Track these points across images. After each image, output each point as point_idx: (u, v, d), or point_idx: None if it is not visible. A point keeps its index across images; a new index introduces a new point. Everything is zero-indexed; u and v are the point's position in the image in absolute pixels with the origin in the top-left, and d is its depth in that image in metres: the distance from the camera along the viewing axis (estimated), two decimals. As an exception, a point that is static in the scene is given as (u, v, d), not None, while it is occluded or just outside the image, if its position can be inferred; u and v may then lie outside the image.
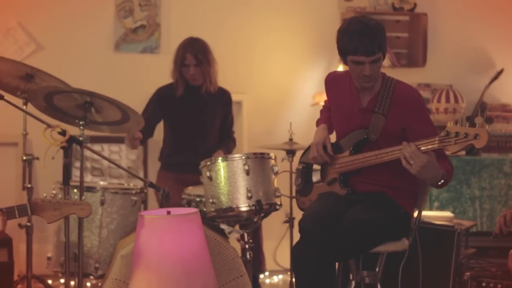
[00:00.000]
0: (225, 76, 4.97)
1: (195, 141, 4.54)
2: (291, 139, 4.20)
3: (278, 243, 5.23)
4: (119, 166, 3.38)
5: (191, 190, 4.06)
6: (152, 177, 5.39)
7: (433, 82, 5.56)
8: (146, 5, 5.41)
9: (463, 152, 5.15)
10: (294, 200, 4.17)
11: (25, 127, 3.84)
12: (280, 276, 5.29)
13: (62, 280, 4.18)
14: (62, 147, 3.22)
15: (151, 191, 4.83)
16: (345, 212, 3.18)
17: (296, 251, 3.14)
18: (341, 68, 5.37)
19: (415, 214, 3.39)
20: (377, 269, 3.30)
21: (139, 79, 5.42)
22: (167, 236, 2.72)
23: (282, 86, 5.58)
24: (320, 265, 3.03)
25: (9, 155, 5.21)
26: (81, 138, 3.42)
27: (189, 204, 3.97)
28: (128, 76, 5.41)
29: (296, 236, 4.38)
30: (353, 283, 3.29)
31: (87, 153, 4.88)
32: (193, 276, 2.72)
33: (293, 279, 4.31)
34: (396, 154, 3.09)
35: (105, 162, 5.22)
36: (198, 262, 2.74)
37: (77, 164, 5.17)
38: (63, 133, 3.19)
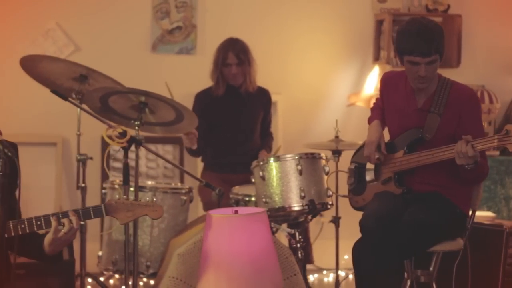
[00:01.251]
0: (260, 76, 5.01)
1: (237, 140, 4.59)
2: (337, 137, 4.24)
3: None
4: (176, 166, 3.43)
5: (238, 189, 4.11)
6: (189, 177, 5.44)
7: (467, 83, 5.58)
8: (182, 7, 5.46)
9: (497, 152, 5.22)
10: (340, 200, 4.23)
11: (79, 127, 3.89)
12: (316, 275, 5.35)
13: (111, 281, 4.23)
14: (122, 147, 3.27)
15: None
16: (403, 211, 3.23)
17: (357, 250, 3.19)
18: (376, 69, 5.43)
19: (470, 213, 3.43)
20: (431, 268, 3.35)
21: (176, 80, 5.42)
22: (236, 235, 2.76)
23: (317, 86, 5.63)
24: (382, 264, 3.08)
25: (49, 155, 5.26)
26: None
27: (237, 203, 4.02)
28: (165, 77, 5.41)
29: (342, 235, 4.47)
30: (408, 282, 3.33)
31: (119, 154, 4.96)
32: (262, 274, 2.76)
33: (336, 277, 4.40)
34: (452, 153, 3.14)
35: (143, 163, 5.29)
36: (266, 260, 2.78)
37: (116, 164, 5.24)
38: (123, 133, 3.24)
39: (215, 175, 4.51)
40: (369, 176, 3.53)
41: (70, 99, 3.22)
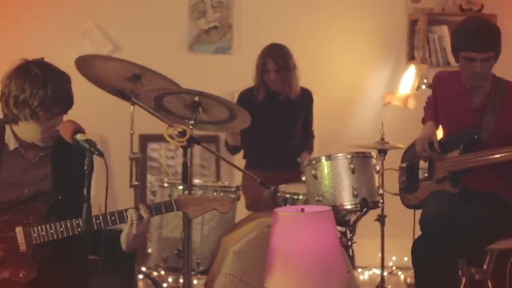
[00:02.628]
0: (296, 76, 5.06)
1: (278, 140, 4.64)
2: (382, 139, 4.28)
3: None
4: (233, 165, 3.47)
5: (285, 188, 4.14)
6: (225, 175, 5.50)
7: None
8: (218, 7, 5.50)
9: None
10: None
11: (132, 126, 3.93)
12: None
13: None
14: (182, 146, 3.30)
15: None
16: (460, 210, 3.27)
17: (417, 247, 3.23)
18: (412, 68, 5.46)
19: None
20: (485, 267, 3.39)
21: (212, 79, 5.50)
22: (304, 233, 2.80)
23: (351, 86, 5.67)
24: (443, 261, 3.12)
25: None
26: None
27: (285, 202, 4.05)
28: (202, 76, 5.50)
29: (388, 233, 4.51)
30: (464, 280, 3.37)
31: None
32: (329, 271, 2.80)
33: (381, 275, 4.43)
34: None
35: (163, 161, 5.33)
36: (333, 258, 2.83)
37: (153, 163, 5.28)
38: (183, 132, 3.27)
39: (257, 174, 4.54)
40: (421, 175, 3.57)
41: (133, 99, 3.24)
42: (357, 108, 5.68)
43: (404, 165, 3.64)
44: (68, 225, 2.60)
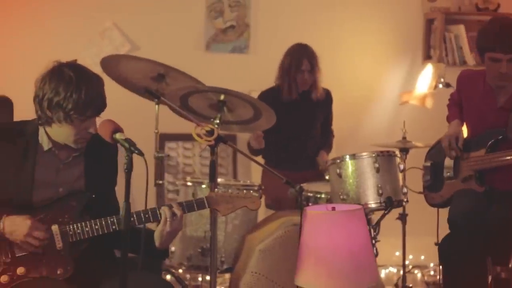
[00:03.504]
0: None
1: (299, 140, 4.66)
2: (404, 138, 4.29)
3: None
4: (261, 165, 3.49)
5: (307, 187, 4.16)
6: (242, 173, 5.52)
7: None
8: (235, 6, 5.52)
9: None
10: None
11: (157, 125, 3.95)
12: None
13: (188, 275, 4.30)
14: (210, 145, 3.33)
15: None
16: (487, 209, 3.29)
17: (445, 245, 3.25)
18: (430, 67, 5.47)
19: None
20: (510, 265, 3.40)
21: (229, 78, 5.50)
22: (336, 231, 2.82)
23: (367, 85, 5.69)
24: (471, 259, 3.14)
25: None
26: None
27: (307, 201, 4.07)
28: (219, 75, 5.50)
29: (414, 231, 4.52)
30: (490, 278, 3.39)
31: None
32: (361, 269, 2.82)
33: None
34: None
35: (180, 160, 5.35)
36: (365, 256, 2.84)
37: (171, 162, 5.30)
38: (211, 131, 3.29)
39: (277, 173, 4.56)
40: (446, 174, 3.59)
41: (162, 98, 3.27)
42: (373, 107, 5.70)
43: (428, 164, 3.66)
44: (103, 222, 2.63)
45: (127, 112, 5.17)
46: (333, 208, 2.92)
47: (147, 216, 2.67)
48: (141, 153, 2.43)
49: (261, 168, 4.90)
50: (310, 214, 2.91)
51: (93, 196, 2.68)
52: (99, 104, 2.66)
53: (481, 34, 3.38)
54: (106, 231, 2.62)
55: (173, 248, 4.13)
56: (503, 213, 3.24)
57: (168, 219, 2.66)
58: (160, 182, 3.92)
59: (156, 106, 3.86)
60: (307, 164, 4.69)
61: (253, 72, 5.49)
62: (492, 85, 3.44)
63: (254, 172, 5.42)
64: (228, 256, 3.98)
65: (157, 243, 2.70)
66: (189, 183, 4.04)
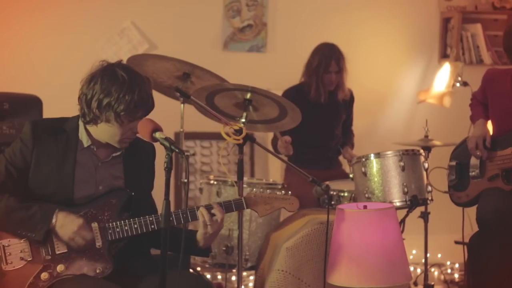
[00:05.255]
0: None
1: (321, 138, 4.68)
2: (426, 136, 4.31)
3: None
4: (286, 162, 3.51)
5: (331, 185, 4.17)
6: (259, 172, 5.54)
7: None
8: (253, 5, 5.54)
9: None
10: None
11: (182, 124, 3.97)
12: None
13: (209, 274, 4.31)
14: (238, 144, 3.34)
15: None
16: (515, 207, 3.31)
17: (475, 243, 3.27)
18: (447, 66, 5.49)
19: None
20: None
21: (247, 77, 5.48)
22: (370, 229, 2.84)
23: (384, 84, 5.71)
24: (501, 257, 3.16)
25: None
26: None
27: (330, 199, 4.08)
28: (236, 74, 5.51)
29: (431, 229, 4.54)
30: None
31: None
32: (395, 267, 2.85)
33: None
34: None
35: (198, 159, 5.38)
36: (398, 253, 2.87)
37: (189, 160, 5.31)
38: (239, 130, 3.31)
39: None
40: (472, 173, 3.60)
41: (192, 97, 3.29)
42: (391, 105, 5.72)
43: (453, 163, 3.67)
44: (142, 222, 2.64)
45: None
46: (365, 207, 2.94)
47: (184, 216, 2.69)
48: (181, 152, 2.45)
49: (280, 166, 4.93)
50: (342, 213, 2.93)
51: (133, 194, 2.70)
52: (149, 105, 2.68)
53: (510, 34, 3.39)
54: (145, 231, 2.64)
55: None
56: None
57: (208, 223, 2.67)
58: (185, 180, 3.92)
59: (182, 105, 3.87)
60: (329, 162, 4.72)
61: (270, 71, 5.51)
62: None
63: (272, 170, 5.45)
64: (252, 254, 4.00)
65: (201, 243, 2.72)
66: (212, 182, 4.05)
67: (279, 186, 4.13)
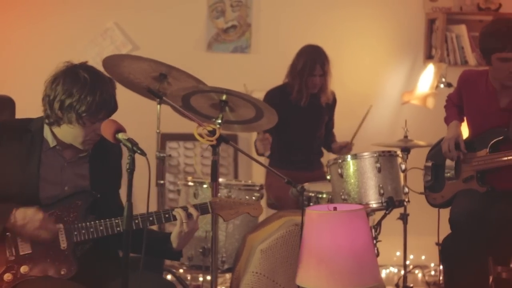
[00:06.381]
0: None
1: (303, 140, 4.67)
2: (406, 137, 4.29)
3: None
4: (261, 163, 3.49)
5: (308, 186, 4.17)
6: (243, 173, 5.53)
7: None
8: (237, 6, 5.53)
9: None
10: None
11: (159, 126, 3.95)
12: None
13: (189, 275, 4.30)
14: (211, 145, 3.33)
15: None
16: (489, 209, 3.29)
17: (447, 245, 3.26)
18: (431, 67, 5.48)
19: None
20: (511, 265, 3.40)
21: (231, 78, 5.52)
22: (339, 231, 2.83)
23: (369, 85, 5.70)
24: (472, 259, 3.15)
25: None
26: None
27: (308, 200, 4.08)
28: (220, 75, 5.51)
29: (415, 231, 4.53)
30: (491, 278, 3.39)
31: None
32: (363, 269, 2.83)
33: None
34: None
35: (181, 160, 5.36)
36: (367, 255, 2.85)
37: (172, 162, 5.30)
38: (213, 131, 3.30)
39: (281, 172, 4.56)
40: (447, 174, 3.59)
41: (164, 98, 3.27)
42: (375, 107, 5.69)
43: (429, 164, 3.66)
44: (108, 224, 2.63)
45: (129, 112, 5.16)
46: (335, 208, 2.92)
47: (151, 219, 2.69)
48: (143, 153, 2.43)
49: (263, 168, 4.91)
50: (312, 214, 2.91)
51: (99, 195, 2.69)
52: (112, 107, 2.67)
53: (487, 35, 3.38)
54: (110, 233, 2.63)
55: (174, 248, 4.13)
56: (504, 213, 3.25)
57: (184, 221, 2.67)
58: (162, 182, 3.91)
59: (158, 106, 3.86)
60: (310, 164, 4.71)
61: (254, 72, 5.50)
62: (497, 86, 3.44)
63: (255, 172, 5.43)
64: (229, 256, 3.99)
65: (174, 244, 2.72)
66: (190, 183, 4.04)
67: (257, 188, 4.12)
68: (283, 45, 5.37)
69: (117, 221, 2.64)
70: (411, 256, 5.51)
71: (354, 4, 5.64)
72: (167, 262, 4.33)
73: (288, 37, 5.50)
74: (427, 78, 5.43)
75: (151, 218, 2.68)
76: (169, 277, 4.27)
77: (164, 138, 5.39)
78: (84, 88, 2.59)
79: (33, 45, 5.28)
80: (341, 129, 5.57)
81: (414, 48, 5.72)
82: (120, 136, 2.49)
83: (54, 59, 5.24)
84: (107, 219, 2.64)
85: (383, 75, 5.70)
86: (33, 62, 5.26)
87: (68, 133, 2.65)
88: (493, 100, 3.44)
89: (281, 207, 4.34)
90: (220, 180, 4.32)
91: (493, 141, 3.41)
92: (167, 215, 2.70)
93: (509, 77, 3.33)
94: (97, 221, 2.64)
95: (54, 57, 5.17)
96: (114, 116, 5.07)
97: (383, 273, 5.43)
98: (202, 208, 2.77)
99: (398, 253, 5.38)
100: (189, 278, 4.78)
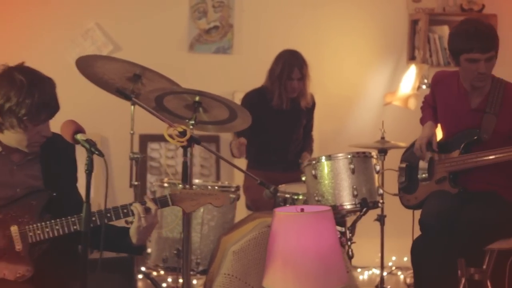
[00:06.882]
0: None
1: (281, 142, 4.66)
2: (383, 138, 4.28)
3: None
4: (232, 164, 3.47)
5: (285, 188, 4.15)
6: (225, 175, 5.50)
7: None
8: (219, 7, 5.51)
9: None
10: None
11: (133, 126, 3.94)
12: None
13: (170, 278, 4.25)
14: (182, 146, 3.31)
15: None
16: (460, 210, 3.27)
17: (416, 247, 3.24)
18: (413, 68, 5.46)
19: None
20: (484, 266, 3.39)
21: (213, 79, 5.51)
22: (304, 233, 2.80)
23: (352, 86, 5.68)
24: (442, 261, 3.13)
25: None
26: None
27: (284, 202, 4.06)
28: (202, 76, 5.50)
29: (388, 233, 4.52)
30: (463, 280, 3.37)
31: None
32: (329, 271, 2.80)
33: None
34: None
35: (163, 161, 5.35)
36: (333, 257, 2.83)
37: (153, 163, 5.28)
38: (183, 132, 3.27)
39: (258, 173, 4.54)
40: (420, 175, 3.57)
41: (133, 98, 3.25)
42: (358, 108, 5.69)
43: (403, 165, 3.64)
44: (64, 223, 2.60)
45: (108, 113, 5.20)
46: (302, 210, 2.90)
47: (108, 215, 2.65)
48: (101, 154, 2.41)
49: (246, 169, 4.88)
50: (278, 216, 2.89)
51: (54, 194, 2.65)
52: (53, 107, 2.62)
53: (455, 36, 3.37)
54: (67, 231, 2.60)
55: (149, 250, 4.12)
56: (475, 214, 3.23)
57: (142, 215, 2.64)
58: (136, 183, 3.89)
59: (132, 107, 3.84)
60: (288, 166, 4.69)
61: (237, 73, 5.49)
62: (467, 87, 3.43)
63: (237, 173, 5.40)
64: (204, 258, 3.98)
65: (133, 239, 2.69)
66: (165, 184, 4.03)
67: (232, 189, 4.10)
68: (266, 46, 5.35)
69: (73, 219, 2.61)
70: (393, 258, 5.50)
71: (336, 5, 5.62)
72: (140, 262, 4.30)
73: (270, 37, 5.48)
74: (409, 79, 5.41)
75: (108, 215, 2.64)
76: (140, 276, 4.25)
77: (146, 139, 5.38)
78: (22, 91, 2.54)
79: (14, 45, 5.26)
80: (323, 131, 5.57)
81: (397, 49, 5.71)
82: (79, 136, 2.47)
83: (35, 60, 5.23)
84: (63, 218, 2.61)
85: (366, 76, 5.69)
86: (14, 63, 5.22)
87: (12, 138, 2.62)
88: (464, 101, 3.42)
89: (258, 209, 4.33)
90: (196, 181, 4.32)
91: (465, 143, 3.39)
92: (125, 210, 2.66)
93: (477, 77, 3.32)
94: (53, 221, 2.61)
95: (35, 58, 5.20)
96: (95, 117, 5.16)
97: (365, 275, 5.42)
98: (161, 201, 2.72)
99: (380, 255, 5.36)
100: (169, 280, 4.76)
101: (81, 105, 5.25)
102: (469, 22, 3.36)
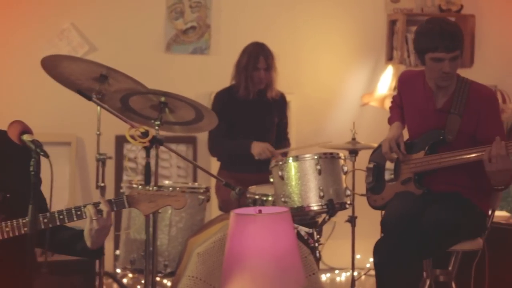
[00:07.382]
0: (273, 76, 5.03)
1: (255, 139, 4.62)
2: (353, 139, 4.25)
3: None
4: (196, 165, 3.45)
5: (255, 189, 4.13)
6: (202, 177, 5.47)
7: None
8: (196, 7, 5.48)
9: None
10: (356, 199, 4.25)
11: (99, 127, 3.91)
12: (328, 275, 5.38)
13: (125, 280, 4.24)
14: (144, 147, 3.29)
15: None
16: (423, 211, 3.25)
17: (378, 249, 3.21)
18: (390, 68, 5.45)
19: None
20: (450, 268, 3.37)
21: (190, 79, 5.49)
22: (261, 234, 2.77)
23: (330, 86, 5.66)
24: (403, 263, 3.10)
25: (63, 154, 5.28)
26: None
27: (254, 203, 4.03)
28: (179, 76, 5.48)
29: (362, 235, 4.49)
30: (428, 282, 3.35)
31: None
32: (286, 273, 2.77)
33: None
34: (476, 156, 3.16)
35: (139, 161, 5.33)
36: (290, 259, 2.79)
37: (130, 164, 5.26)
38: (145, 133, 3.25)
39: (231, 175, 4.53)
40: (387, 176, 3.55)
41: (94, 99, 3.23)
42: (335, 109, 5.66)
43: (371, 165, 3.62)
44: (15, 224, 2.56)
45: (85, 114, 5.15)
46: (260, 211, 2.86)
47: (61, 217, 2.58)
48: (46, 155, 2.37)
49: (218, 170, 4.86)
50: (235, 217, 2.86)
51: (7, 195, 2.62)
52: None
53: (420, 35, 3.34)
54: (17, 234, 2.56)
55: (117, 252, 4.10)
56: (438, 215, 3.20)
57: (93, 217, 2.59)
58: (102, 184, 3.86)
59: (98, 108, 3.81)
60: (260, 166, 4.65)
61: (214, 73, 5.46)
62: (432, 86, 3.40)
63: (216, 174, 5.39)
64: (172, 260, 3.95)
65: (88, 243, 2.63)
66: (134, 185, 4.00)
67: (202, 190, 4.08)
68: (243, 46, 5.31)
69: (24, 221, 2.57)
70: (371, 259, 5.46)
71: (314, 5, 5.60)
72: (107, 266, 4.27)
73: (248, 38, 5.40)
74: (386, 79, 5.40)
75: (61, 216, 2.59)
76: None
77: (122, 140, 5.35)
78: None
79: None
80: (300, 132, 5.54)
81: (376, 50, 5.69)
82: (25, 137, 2.43)
83: (10, 61, 5.24)
84: (14, 220, 2.57)
85: (344, 77, 5.66)
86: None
87: None
88: (430, 100, 3.40)
89: (228, 210, 4.29)
90: (167, 182, 4.29)
91: (430, 143, 3.37)
92: (78, 212, 2.60)
93: (441, 77, 3.29)
94: (3, 223, 2.57)
95: (10, 58, 5.22)
96: (68, 118, 5.14)
97: (342, 276, 5.40)
98: (117, 203, 2.66)
99: (358, 256, 5.33)
100: (142, 281, 4.73)
101: (56, 106, 5.24)
102: (435, 21, 3.34)
